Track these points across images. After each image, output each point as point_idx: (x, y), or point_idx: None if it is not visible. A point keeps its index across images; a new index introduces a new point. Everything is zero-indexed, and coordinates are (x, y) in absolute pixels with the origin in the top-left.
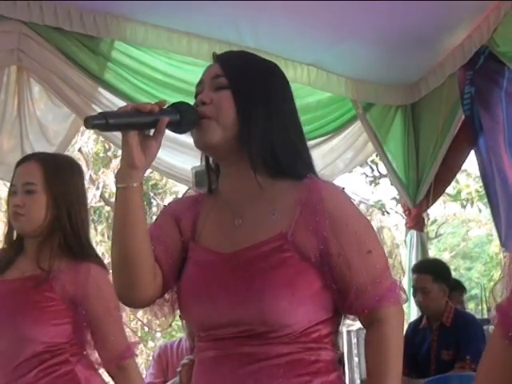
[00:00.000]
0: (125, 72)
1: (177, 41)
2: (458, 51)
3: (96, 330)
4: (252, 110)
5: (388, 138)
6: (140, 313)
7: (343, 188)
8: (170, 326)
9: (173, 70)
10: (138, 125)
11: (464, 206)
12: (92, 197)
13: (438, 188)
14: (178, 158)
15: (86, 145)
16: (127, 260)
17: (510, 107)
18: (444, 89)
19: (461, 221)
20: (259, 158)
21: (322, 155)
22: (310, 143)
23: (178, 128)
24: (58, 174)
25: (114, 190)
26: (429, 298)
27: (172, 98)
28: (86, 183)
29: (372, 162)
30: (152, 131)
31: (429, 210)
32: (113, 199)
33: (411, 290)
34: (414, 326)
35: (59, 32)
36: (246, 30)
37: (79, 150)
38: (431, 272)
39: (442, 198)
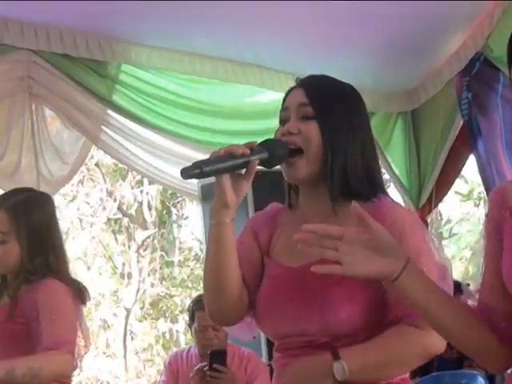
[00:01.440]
0: (133, 93)
1: (179, 61)
2: (454, 58)
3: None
4: (337, 142)
5: (389, 145)
6: None
7: (408, 210)
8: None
9: (180, 89)
10: (230, 168)
11: (477, 205)
12: (110, 208)
13: (439, 192)
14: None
15: (103, 157)
16: (220, 286)
17: (506, 111)
18: (442, 95)
19: (477, 219)
20: (339, 184)
21: None
22: None
23: (267, 164)
24: (26, 217)
25: (131, 201)
26: None
27: (180, 117)
28: (104, 195)
29: None
30: (243, 170)
31: (442, 210)
32: (130, 211)
33: None
34: None
35: (67, 58)
36: (245, 47)
37: (96, 164)
38: None
39: (455, 198)
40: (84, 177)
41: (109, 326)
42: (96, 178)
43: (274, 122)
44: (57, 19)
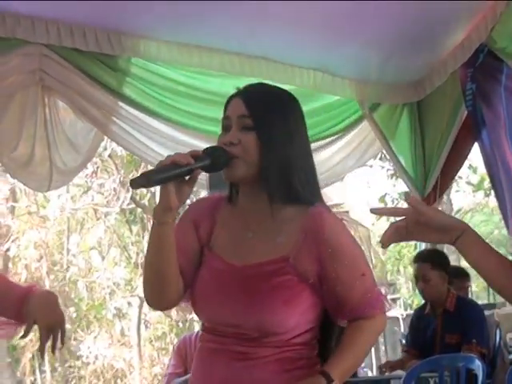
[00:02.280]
0: (143, 85)
1: (188, 54)
2: (458, 50)
3: None
4: (274, 151)
5: (395, 136)
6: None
7: (342, 219)
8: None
9: (189, 80)
10: (176, 176)
11: (488, 195)
12: (123, 199)
13: (444, 180)
14: None
15: (116, 149)
16: (158, 279)
17: (509, 102)
18: (447, 86)
19: (491, 209)
20: (276, 187)
21: (332, 154)
22: (320, 143)
23: (209, 171)
24: None
25: (144, 191)
26: (429, 285)
27: (189, 107)
28: (117, 186)
29: None
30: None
31: (453, 200)
32: (143, 201)
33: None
34: (419, 312)
35: (78, 51)
36: (250, 39)
37: (109, 156)
38: (430, 260)
39: (467, 188)
40: (98, 168)
41: (123, 315)
42: (110, 169)
43: None
44: (67, 14)
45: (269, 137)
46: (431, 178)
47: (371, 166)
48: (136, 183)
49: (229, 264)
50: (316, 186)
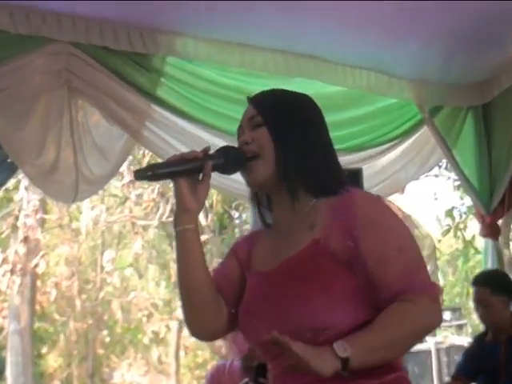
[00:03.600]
0: (179, 87)
1: (229, 53)
2: None
3: None
4: (286, 142)
5: (458, 143)
6: None
7: (379, 196)
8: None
9: (230, 81)
10: (184, 171)
11: None
12: (163, 211)
13: None
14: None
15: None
16: (191, 294)
17: None
18: None
19: None
20: (297, 185)
21: (390, 162)
22: (375, 150)
23: (224, 170)
24: None
25: None
26: (489, 311)
27: (230, 111)
28: (156, 197)
29: None
30: (201, 176)
31: None
32: None
33: None
34: (479, 339)
35: (108, 50)
36: (298, 37)
37: (148, 163)
38: (489, 284)
39: None
40: None
41: (161, 340)
42: None
43: (336, 116)
44: (96, 10)
45: (280, 128)
46: (498, 190)
47: (437, 176)
48: (140, 175)
49: (263, 272)
50: (342, 179)
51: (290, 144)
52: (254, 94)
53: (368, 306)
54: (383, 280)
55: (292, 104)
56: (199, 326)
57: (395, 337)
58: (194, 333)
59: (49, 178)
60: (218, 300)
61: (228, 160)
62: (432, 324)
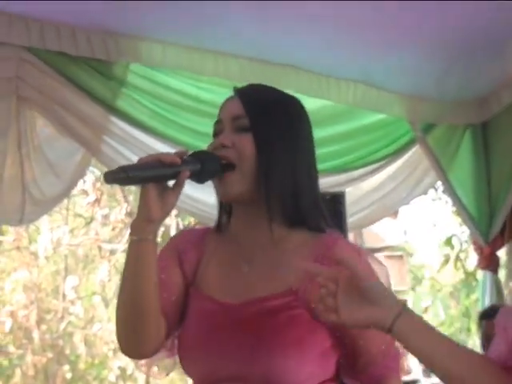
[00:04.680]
0: (142, 97)
1: (200, 60)
2: None
3: None
4: (274, 157)
5: (454, 165)
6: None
7: (364, 251)
8: (167, 375)
9: (200, 92)
10: (158, 177)
11: None
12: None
13: None
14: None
15: None
16: (134, 313)
17: None
18: None
19: None
20: (278, 206)
21: (379, 184)
22: (362, 171)
23: (198, 178)
24: None
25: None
26: None
27: (200, 126)
28: (124, 217)
29: None
30: (171, 182)
31: None
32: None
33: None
34: None
35: (65, 56)
36: (279, 45)
37: None
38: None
39: None
40: (102, 195)
41: (129, 377)
42: (118, 197)
43: (317, 133)
44: (52, 11)
45: (268, 139)
46: (498, 218)
47: (434, 200)
48: (111, 177)
49: (222, 304)
50: (322, 208)
51: (278, 160)
52: (242, 87)
53: (329, 370)
54: (365, 352)
55: (286, 111)
56: (137, 344)
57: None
58: (130, 351)
59: None
60: (160, 319)
61: (204, 168)
62: None
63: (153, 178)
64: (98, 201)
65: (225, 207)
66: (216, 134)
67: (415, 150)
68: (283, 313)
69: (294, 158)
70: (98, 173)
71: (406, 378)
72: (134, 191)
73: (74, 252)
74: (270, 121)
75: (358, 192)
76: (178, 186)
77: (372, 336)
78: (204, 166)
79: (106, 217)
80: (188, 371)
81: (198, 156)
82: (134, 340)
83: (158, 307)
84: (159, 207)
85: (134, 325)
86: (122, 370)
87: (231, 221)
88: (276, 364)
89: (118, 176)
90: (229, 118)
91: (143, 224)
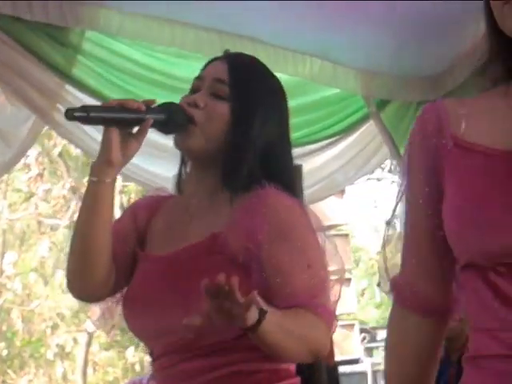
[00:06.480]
0: (98, 66)
1: (157, 29)
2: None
3: None
4: (246, 133)
5: (406, 141)
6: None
7: (299, 201)
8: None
9: (155, 62)
10: (121, 121)
11: None
12: (74, 210)
13: None
14: (158, 164)
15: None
16: (86, 250)
17: None
18: (472, 82)
19: None
20: (239, 180)
21: (327, 161)
22: (313, 147)
23: (163, 128)
24: None
25: None
26: None
27: (154, 96)
28: (67, 193)
29: None
30: (135, 129)
31: None
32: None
33: None
34: None
35: (19, 21)
36: (237, 17)
37: (59, 155)
38: None
39: None
40: (44, 170)
41: (67, 355)
42: (60, 172)
43: None
44: None
45: (244, 115)
46: None
47: (379, 180)
48: (72, 115)
49: (155, 257)
50: (292, 183)
51: (250, 137)
52: (234, 53)
53: None
54: (283, 291)
55: (269, 91)
56: (84, 282)
57: (296, 334)
58: (76, 289)
59: None
60: (111, 264)
61: (170, 118)
62: (323, 350)
63: (114, 121)
64: (40, 175)
65: (184, 167)
66: (193, 90)
67: (365, 129)
68: (202, 258)
69: (268, 135)
70: (40, 148)
71: (347, 357)
72: (79, 168)
73: (12, 227)
74: (250, 97)
75: (312, 166)
76: (142, 132)
77: (291, 273)
78: (169, 116)
79: (47, 192)
80: (129, 327)
81: (166, 107)
82: (83, 276)
83: (109, 250)
84: (120, 152)
85: (84, 259)
86: (60, 347)
87: (186, 179)
88: (192, 310)
89: (79, 114)
90: (210, 78)
91: (103, 166)
